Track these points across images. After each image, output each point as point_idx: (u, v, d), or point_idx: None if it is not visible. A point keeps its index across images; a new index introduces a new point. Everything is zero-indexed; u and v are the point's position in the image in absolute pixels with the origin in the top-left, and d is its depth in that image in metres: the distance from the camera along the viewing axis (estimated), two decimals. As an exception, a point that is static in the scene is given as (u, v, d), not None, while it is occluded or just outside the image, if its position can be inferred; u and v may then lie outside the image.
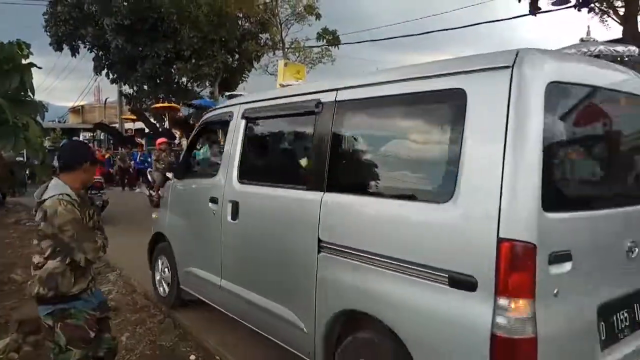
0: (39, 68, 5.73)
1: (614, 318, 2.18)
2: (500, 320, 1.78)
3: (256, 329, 3.20)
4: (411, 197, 2.22)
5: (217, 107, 4.28)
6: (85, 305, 2.43)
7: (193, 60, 14.94)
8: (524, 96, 1.85)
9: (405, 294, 2.12)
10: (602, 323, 2.10)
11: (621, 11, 10.30)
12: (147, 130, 19.40)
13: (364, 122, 2.67)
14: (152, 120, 17.74)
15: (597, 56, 7.83)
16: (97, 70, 16.00)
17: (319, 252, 2.55)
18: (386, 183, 2.45)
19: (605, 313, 2.11)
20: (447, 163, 2.07)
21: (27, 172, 12.27)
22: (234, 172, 3.37)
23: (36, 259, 2.38)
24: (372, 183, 2.50)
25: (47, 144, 17.25)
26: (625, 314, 2.24)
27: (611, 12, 10.79)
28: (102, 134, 24.13)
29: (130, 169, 15.99)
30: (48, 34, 15.14)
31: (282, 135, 3.40)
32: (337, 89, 2.66)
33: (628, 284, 2.25)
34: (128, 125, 23.88)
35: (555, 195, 1.91)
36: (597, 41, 9.02)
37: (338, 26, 19.29)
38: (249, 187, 3.25)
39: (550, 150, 1.88)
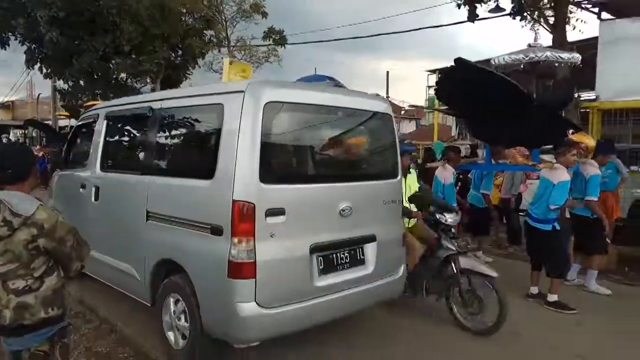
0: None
1: (333, 255, 3.57)
2: (233, 252, 3.12)
3: (115, 287, 4.48)
4: (193, 176, 3.57)
5: (89, 109, 5.71)
6: None
7: (133, 56, 15.41)
8: (249, 111, 3.19)
9: (189, 243, 3.47)
10: (320, 257, 3.48)
11: (551, 20, 11.64)
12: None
13: (172, 124, 4.00)
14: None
15: (544, 61, 8.96)
16: (29, 64, 16.26)
17: (147, 220, 3.89)
18: (181, 167, 3.85)
19: (319, 251, 3.47)
20: (213, 153, 3.39)
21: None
22: (97, 163, 4.70)
23: (19, 283, 2.23)
24: (173, 167, 3.91)
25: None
26: (346, 253, 3.65)
27: (542, 20, 12.12)
28: (34, 130, 24.08)
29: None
30: (-26, 24, 15.22)
31: (129, 133, 4.72)
32: (161, 99, 4.04)
33: (345, 233, 3.64)
34: (63, 122, 23.95)
35: (270, 173, 3.26)
36: (543, 47, 10.38)
37: (286, 26, 20.32)
38: (107, 174, 4.61)
39: (265, 145, 3.22)
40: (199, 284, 3.39)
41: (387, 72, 26.70)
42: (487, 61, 9.34)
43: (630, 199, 8.54)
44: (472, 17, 12.74)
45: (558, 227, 5.21)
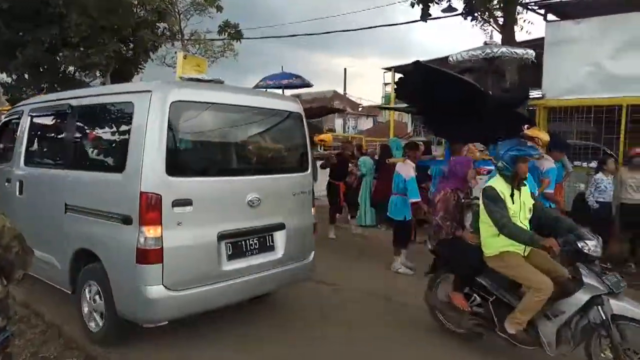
0: None
1: (241, 242, 4.01)
2: (141, 239, 3.51)
3: (40, 278, 4.79)
4: (107, 170, 3.99)
5: (15, 106, 6.05)
6: None
7: (81, 48, 15.41)
8: (156, 109, 3.60)
9: (102, 233, 3.85)
10: (229, 244, 3.90)
11: (500, 20, 12.35)
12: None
13: (89, 120, 4.40)
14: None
15: (500, 57, 9.49)
16: (-30, 56, 15.90)
17: (65, 212, 4.25)
18: (96, 161, 4.25)
19: (227, 238, 3.90)
20: (124, 148, 3.78)
21: None
22: (22, 158, 5.04)
23: None
24: (89, 161, 4.29)
25: None
26: (256, 240, 4.09)
27: (492, 21, 12.83)
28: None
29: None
30: None
31: (50, 129, 5.08)
32: (79, 97, 4.43)
33: (254, 222, 4.08)
34: (7, 117, 23.56)
35: (177, 167, 3.65)
36: (499, 44, 11.04)
37: (242, 20, 20.64)
38: (30, 169, 4.95)
39: (171, 141, 3.63)
40: (112, 270, 3.76)
41: (345, 70, 27.40)
42: (446, 58, 9.89)
43: (574, 193, 9.25)
44: (425, 16, 13.37)
45: None
